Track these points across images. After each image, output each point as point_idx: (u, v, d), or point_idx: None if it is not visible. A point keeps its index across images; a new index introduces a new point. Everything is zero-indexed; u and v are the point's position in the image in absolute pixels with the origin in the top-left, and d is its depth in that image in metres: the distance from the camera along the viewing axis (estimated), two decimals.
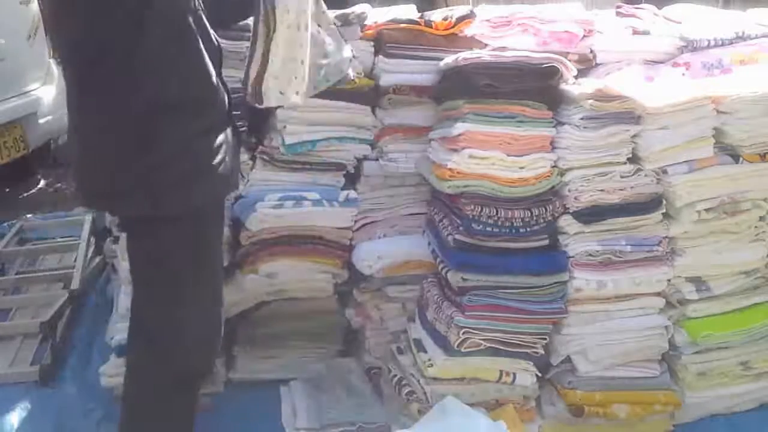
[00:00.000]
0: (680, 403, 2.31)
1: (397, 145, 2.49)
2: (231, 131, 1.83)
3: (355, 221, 2.53)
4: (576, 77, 2.32)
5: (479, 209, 2.15)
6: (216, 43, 1.82)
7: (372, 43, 2.52)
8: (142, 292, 1.86)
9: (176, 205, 1.70)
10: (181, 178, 1.69)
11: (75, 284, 3.03)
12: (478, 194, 2.17)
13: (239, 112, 2.42)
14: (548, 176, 2.21)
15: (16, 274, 3.35)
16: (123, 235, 2.05)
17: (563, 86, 2.27)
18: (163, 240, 1.75)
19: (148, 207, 1.68)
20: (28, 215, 4.07)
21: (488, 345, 2.18)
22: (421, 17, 2.53)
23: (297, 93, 1.83)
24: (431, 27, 2.47)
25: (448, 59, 2.32)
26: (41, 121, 4.65)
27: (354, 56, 2.00)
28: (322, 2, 1.91)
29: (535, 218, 2.18)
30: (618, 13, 2.76)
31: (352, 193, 2.48)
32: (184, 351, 1.83)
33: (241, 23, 2.46)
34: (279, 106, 2.38)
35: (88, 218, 3.60)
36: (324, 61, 1.92)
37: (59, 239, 3.71)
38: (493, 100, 2.20)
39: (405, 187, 2.58)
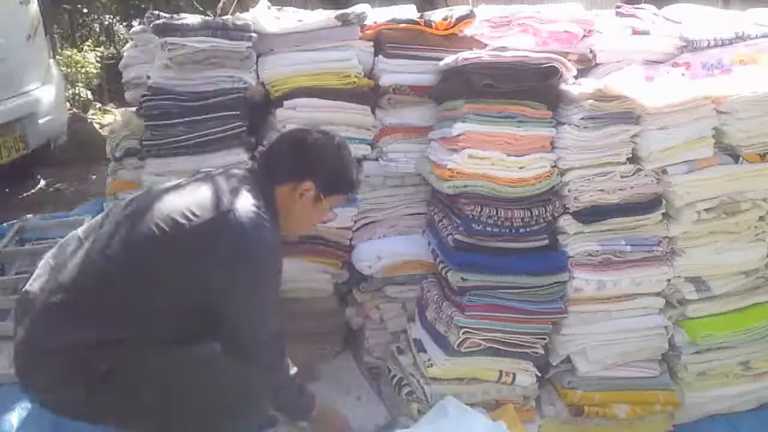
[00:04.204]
0: (680, 403, 2.31)
1: (397, 145, 2.49)
2: None
3: (355, 221, 2.53)
4: (576, 77, 2.32)
5: (479, 209, 2.15)
6: None
7: (372, 43, 2.52)
8: None
9: None
10: None
11: None
12: (478, 194, 2.17)
13: (239, 112, 2.43)
14: (548, 176, 2.21)
15: (16, 274, 3.33)
16: None
17: (563, 86, 2.27)
18: None
19: None
20: (28, 215, 4.06)
21: (488, 345, 2.18)
22: (421, 17, 2.53)
23: None
24: (431, 27, 2.48)
25: (448, 59, 2.32)
26: (41, 121, 4.64)
27: None
28: None
29: (535, 218, 2.18)
30: (618, 13, 2.76)
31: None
32: None
33: (239, 23, 2.45)
34: (279, 105, 2.40)
35: (88, 218, 3.59)
36: None
37: (59, 239, 3.68)
38: (493, 100, 2.20)
39: (405, 187, 2.58)
